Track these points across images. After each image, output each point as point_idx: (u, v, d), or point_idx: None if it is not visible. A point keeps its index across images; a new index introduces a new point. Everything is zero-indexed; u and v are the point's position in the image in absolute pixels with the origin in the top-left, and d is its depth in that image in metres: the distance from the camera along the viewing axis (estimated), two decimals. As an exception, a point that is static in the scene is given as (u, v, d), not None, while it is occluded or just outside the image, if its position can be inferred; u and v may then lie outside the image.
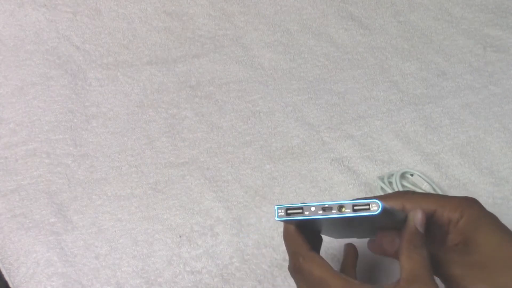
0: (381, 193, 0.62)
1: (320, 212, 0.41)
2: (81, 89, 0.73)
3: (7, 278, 0.58)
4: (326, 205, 0.41)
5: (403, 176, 0.64)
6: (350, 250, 0.52)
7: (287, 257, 0.58)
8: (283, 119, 0.71)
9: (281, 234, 0.60)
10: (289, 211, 0.42)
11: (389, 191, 0.62)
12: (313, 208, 0.41)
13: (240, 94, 0.74)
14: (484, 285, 0.41)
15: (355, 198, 0.46)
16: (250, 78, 0.75)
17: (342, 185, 0.64)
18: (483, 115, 0.71)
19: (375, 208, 0.39)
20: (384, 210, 0.40)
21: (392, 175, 0.63)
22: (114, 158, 0.67)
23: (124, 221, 0.61)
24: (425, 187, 0.63)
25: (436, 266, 0.43)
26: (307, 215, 0.42)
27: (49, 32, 0.80)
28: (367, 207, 0.40)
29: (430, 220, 0.45)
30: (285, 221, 0.44)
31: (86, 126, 0.70)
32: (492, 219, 0.45)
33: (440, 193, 0.62)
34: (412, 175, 0.64)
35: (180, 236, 0.60)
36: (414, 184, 0.63)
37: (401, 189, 0.62)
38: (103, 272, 0.57)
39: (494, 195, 0.63)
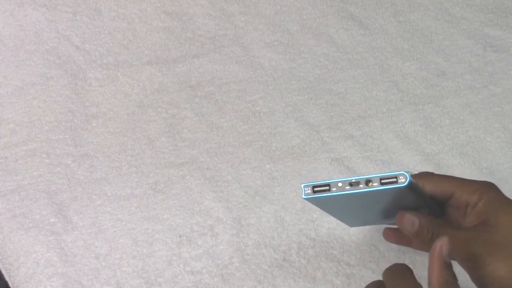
0: (381, 193, 0.62)
1: (348, 187, 0.40)
2: (81, 89, 0.73)
3: (7, 278, 0.58)
4: (353, 180, 0.40)
5: (403, 176, 0.64)
6: None
7: (287, 257, 0.59)
8: (283, 119, 0.71)
9: (281, 234, 0.60)
10: (316, 189, 0.42)
11: (389, 191, 0.62)
12: (340, 184, 0.41)
13: (240, 94, 0.74)
14: (503, 264, 0.41)
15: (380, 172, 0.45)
16: (250, 78, 0.75)
17: (342, 185, 0.64)
18: (483, 115, 0.71)
19: (403, 180, 0.39)
20: (411, 184, 0.39)
21: (392, 175, 0.63)
22: (114, 158, 0.67)
23: (124, 221, 0.61)
24: (425, 187, 0.63)
25: (454, 247, 0.42)
26: (334, 192, 0.41)
27: (49, 32, 0.80)
28: (395, 179, 0.39)
29: (449, 202, 0.45)
30: (312, 199, 0.43)
31: (86, 126, 0.70)
32: (510, 202, 0.45)
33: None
34: (412, 175, 0.64)
35: (180, 236, 0.60)
36: (414, 184, 0.63)
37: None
38: (103, 272, 0.57)
39: (494, 195, 0.63)
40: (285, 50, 0.79)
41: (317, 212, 0.62)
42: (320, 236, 0.60)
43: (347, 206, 0.46)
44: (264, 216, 0.62)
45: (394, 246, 0.58)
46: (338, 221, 0.61)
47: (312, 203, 0.45)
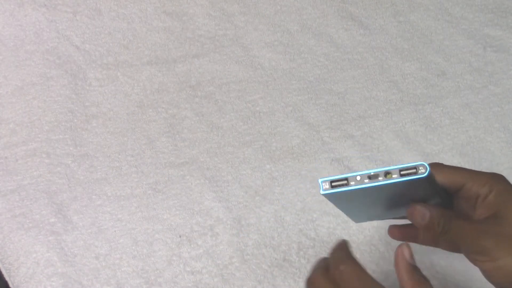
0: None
1: (367, 180, 0.40)
2: (81, 89, 0.73)
3: (7, 278, 0.58)
4: (372, 173, 0.39)
5: (403, 176, 0.64)
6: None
7: (287, 257, 0.59)
8: (283, 119, 0.71)
9: (281, 234, 0.60)
10: (334, 183, 0.40)
11: (389, 191, 0.62)
12: (358, 178, 0.40)
13: (240, 94, 0.74)
14: None
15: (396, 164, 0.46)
16: (250, 78, 0.75)
17: (342, 185, 0.64)
18: (483, 115, 0.71)
19: (423, 170, 0.38)
20: (430, 174, 0.39)
21: (392, 175, 0.63)
22: (114, 158, 0.67)
23: (124, 221, 0.61)
24: (425, 187, 0.63)
25: (463, 238, 0.42)
26: (353, 185, 0.40)
27: (49, 32, 0.80)
28: (414, 170, 0.39)
29: (458, 194, 0.45)
30: (330, 195, 0.42)
31: (86, 126, 0.70)
32: None
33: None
34: (412, 175, 0.64)
35: (180, 236, 0.60)
36: (414, 184, 0.63)
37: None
38: (103, 272, 0.57)
39: (494, 195, 0.63)
40: (285, 50, 0.79)
41: (317, 212, 0.62)
42: (320, 236, 0.60)
43: (361, 200, 0.45)
44: (264, 216, 0.62)
45: (394, 246, 0.58)
46: (338, 221, 0.61)
47: (329, 199, 0.43)
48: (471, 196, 0.45)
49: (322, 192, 0.41)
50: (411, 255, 0.42)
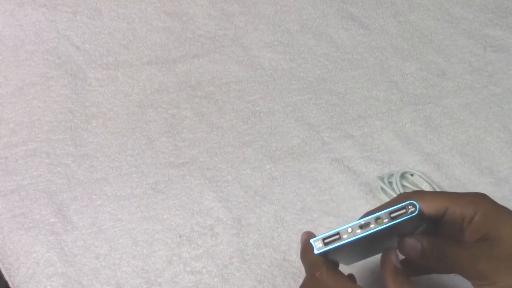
0: (381, 193, 0.62)
1: (359, 231, 0.39)
2: (81, 89, 0.73)
3: (7, 278, 0.58)
4: (363, 222, 0.39)
5: (403, 176, 0.64)
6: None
7: (287, 257, 0.59)
8: (283, 119, 0.71)
9: (281, 234, 0.60)
10: (326, 241, 0.40)
11: (389, 191, 0.62)
12: (350, 229, 0.40)
13: (240, 94, 0.74)
14: None
15: (378, 208, 0.44)
16: (250, 78, 0.75)
17: (342, 185, 0.64)
18: (483, 115, 0.71)
19: (413, 209, 0.38)
20: (420, 210, 0.39)
21: (392, 175, 0.63)
22: (114, 158, 0.67)
23: (124, 221, 0.61)
24: (425, 187, 0.63)
25: (459, 264, 0.42)
26: (346, 239, 0.40)
27: (49, 32, 0.80)
28: (404, 210, 0.39)
29: (443, 219, 0.44)
30: (325, 252, 0.42)
31: (86, 126, 0.70)
32: (507, 211, 0.44)
33: (440, 193, 0.62)
34: (412, 175, 0.64)
35: (180, 236, 0.60)
36: (414, 184, 0.63)
37: (401, 189, 0.62)
38: (103, 272, 0.57)
39: (494, 195, 0.63)
40: (285, 50, 0.79)
41: (317, 212, 0.62)
42: (320, 236, 0.60)
43: (353, 248, 0.44)
44: (264, 216, 0.62)
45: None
46: (338, 221, 0.61)
47: (323, 255, 0.43)
48: (456, 219, 0.44)
49: (316, 252, 0.41)
50: (397, 258, 0.42)
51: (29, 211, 0.62)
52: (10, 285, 0.57)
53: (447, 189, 0.64)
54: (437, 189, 0.63)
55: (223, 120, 0.71)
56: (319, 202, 0.63)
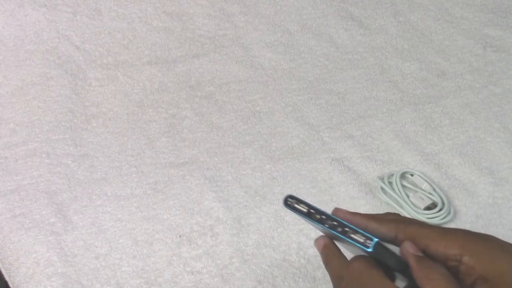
0: (381, 193, 0.62)
1: (328, 224, 0.40)
2: (81, 89, 0.73)
3: (7, 278, 0.58)
4: (336, 223, 0.40)
5: (403, 176, 0.64)
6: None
7: (287, 257, 0.59)
8: (283, 119, 0.71)
9: (281, 234, 0.60)
10: (299, 206, 0.41)
11: (389, 191, 0.62)
12: (324, 217, 0.41)
13: (240, 94, 0.74)
14: None
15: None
16: (250, 78, 0.75)
17: (342, 185, 0.64)
18: (483, 115, 0.71)
19: (369, 244, 0.39)
20: (376, 254, 0.39)
21: (392, 175, 0.63)
22: (114, 158, 0.67)
23: (124, 221, 0.61)
24: (425, 187, 0.63)
25: None
26: (313, 219, 0.41)
27: (49, 32, 0.80)
28: (363, 239, 0.39)
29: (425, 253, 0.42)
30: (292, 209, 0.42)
31: (86, 126, 0.70)
32: (494, 242, 0.41)
33: (440, 193, 0.62)
34: (412, 175, 0.64)
35: (180, 236, 0.60)
36: (414, 184, 0.63)
37: (401, 189, 0.62)
38: (103, 272, 0.57)
39: (494, 195, 0.63)
40: (285, 50, 0.79)
41: (317, 212, 0.62)
42: (320, 236, 0.60)
43: (333, 237, 0.44)
44: (264, 216, 0.62)
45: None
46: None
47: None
48: (439, 258, 0.41)
49: (283, 204, 0.41)
50: (415, 248, 0.40)
51: (29, 211, 0.62)
52: (10, 285, 0.57)
53: (447, 189, 0.64)
54: (437, 189, 0.62)
55: (223, 120, 0.71)
56: (319, 202, 0.63)
